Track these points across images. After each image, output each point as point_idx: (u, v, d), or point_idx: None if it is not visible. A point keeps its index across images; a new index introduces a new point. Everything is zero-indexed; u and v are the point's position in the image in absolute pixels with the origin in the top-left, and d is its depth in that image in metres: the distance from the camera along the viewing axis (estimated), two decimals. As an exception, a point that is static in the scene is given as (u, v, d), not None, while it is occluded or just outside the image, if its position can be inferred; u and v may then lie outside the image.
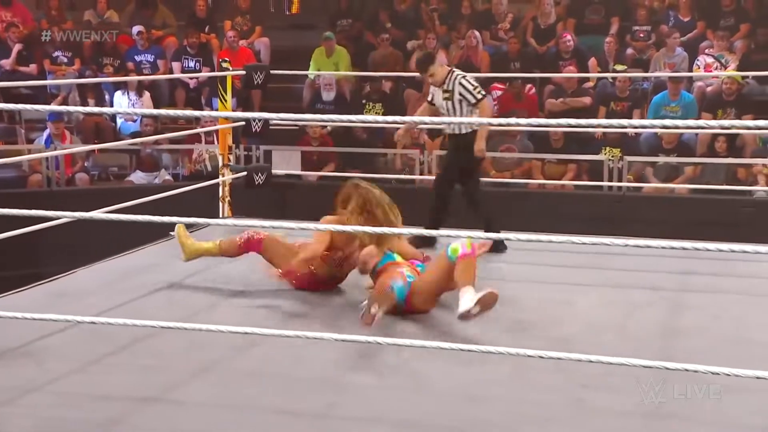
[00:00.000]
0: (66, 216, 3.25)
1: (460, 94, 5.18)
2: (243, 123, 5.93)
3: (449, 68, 5.34)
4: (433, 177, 7.79)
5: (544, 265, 4.90)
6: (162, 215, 5.83)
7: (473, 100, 5.18)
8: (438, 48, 9.65)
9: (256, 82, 5.89)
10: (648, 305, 4.23)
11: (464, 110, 5.18)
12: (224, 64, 6.08)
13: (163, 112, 3.61)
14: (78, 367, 3.39)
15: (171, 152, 8.94)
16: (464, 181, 5.30)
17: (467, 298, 3.65)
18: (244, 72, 5.99)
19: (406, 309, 3.92)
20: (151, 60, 10.16)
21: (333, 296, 4.39)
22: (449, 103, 5.22)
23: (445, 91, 5.22)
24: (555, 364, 2.99)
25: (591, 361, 2.64)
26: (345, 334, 3.45)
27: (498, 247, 5.03)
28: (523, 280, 4.71)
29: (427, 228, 4.83)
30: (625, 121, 2.97)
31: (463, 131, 5.21)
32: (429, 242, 5.00)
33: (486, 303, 3.65)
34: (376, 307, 3.55)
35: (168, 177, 8.80)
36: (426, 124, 6.30)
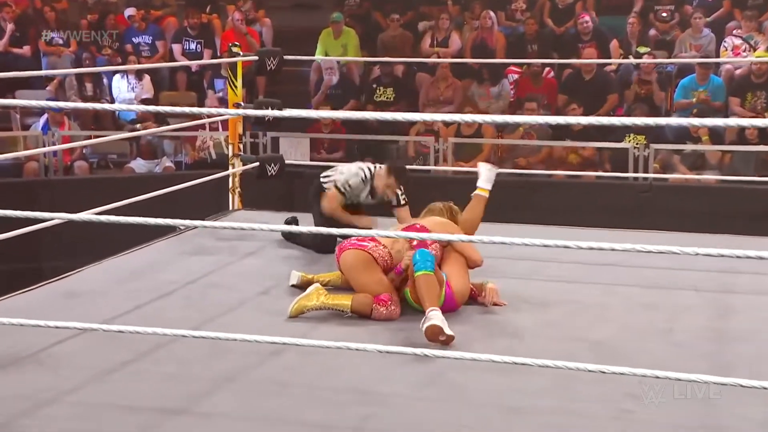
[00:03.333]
0: (62, 218, 3.17)
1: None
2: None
3: None
4: (449, 166, 7.85)
5: (571, 263, 4.84)
6: (166, 206, 5.91)
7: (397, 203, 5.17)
8: (451, 30, 9.60)
9: (269, 68, 5.82)
10: (691, 307, 4.19)
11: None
12: (234, 49, 6.00)
13: (177, 109, 3.57)
14: (96, 375, 3.35)
15: (173, 139, 8.88)
16: None
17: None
18: (256, 57, 5.92)
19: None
20: (150, 41, 10.09)
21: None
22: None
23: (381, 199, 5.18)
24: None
25: (646, 376, 2.59)
26: (380, 341, 3.45)
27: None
28: (550, 279, 4.66)
29: None
30: (651, 121, 2.88)
31: None
32: None
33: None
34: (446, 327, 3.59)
35: (170, 164, 8.76)
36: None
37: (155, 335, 3.24)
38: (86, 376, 3.33)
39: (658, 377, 2.53)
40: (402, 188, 5.08)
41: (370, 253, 4.08)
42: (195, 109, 3.40)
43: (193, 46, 10.03)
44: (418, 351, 2.86)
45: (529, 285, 4.50)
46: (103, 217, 2.98)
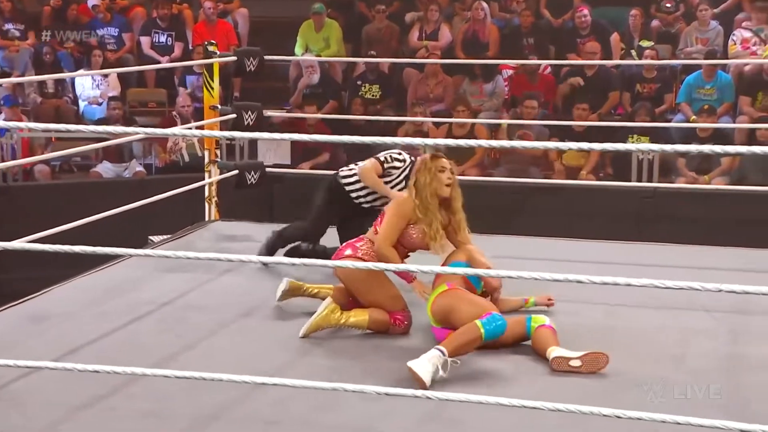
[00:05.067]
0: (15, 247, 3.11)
1: None
2: (234, 115, 5.81)
3: None
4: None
5: (575, 282, 4.80)
6: (137, 216, 5.87)
7: None
8: (440, 21, 9.58)
9: (248, 69, 5.79)
10: (703, 331, 4.19)
11: None
12: (211, 48, 5.96)
13: (158, 131, 3.50)
14: (67, 413, 3.30)
15: (142, 140, 8.81)
16: None
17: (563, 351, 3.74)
18: (235, 58, 5.88)
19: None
20: (116, 34, 10.01)
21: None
22: None
23: None
24: (609, 404, 2.93)
25: (665, 422, 2.58)
26: (378, 374, 3.42)
27: None
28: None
29: None
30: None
31: None
32: None
33: (591, 363, 3.67)
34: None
35: (140, 168, 8.70)
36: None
37: (130, 365, 3.19)
38: (55, 415, 3.28)
39: (678, 423, 2.51)
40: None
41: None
42: (180, 131, 3.37)
43: (162, 38, 9.96)
44: (419, 393, 2.83)
45: (532, 309, 4.47)
46: (36, 246, 2.91)
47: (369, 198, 4.95)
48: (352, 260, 4.03)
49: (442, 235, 4.07)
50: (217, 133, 3.69)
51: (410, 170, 4.68)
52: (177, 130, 4.45)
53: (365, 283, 4.10)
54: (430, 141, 2.65)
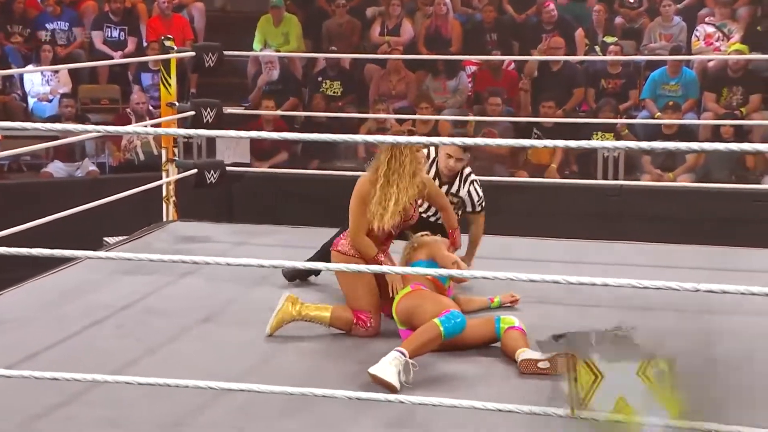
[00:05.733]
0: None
1: (464, 199, 4.75)
2: (193, 112, 5.76)
3: None
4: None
5: (542, 282, 4.83)
6: (91, 217, 5.79)
7: (473, 210, 4.80)
8: (402, 16, 9.58)
9: (207, 65, 5.74)
10: (672, 332, 4.23)
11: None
12: (168, 43, 5.90)
13: (120, 129, 3.46)
14: (23, 423, 3.25)
15: (95, 139, 8.70)
16: None
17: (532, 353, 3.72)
18: (193, 53, 5.83)
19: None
20: (66, 28, 9.87)
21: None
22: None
23: (453, 195, 4.66)
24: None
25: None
26: (348, 376, 3.41)
27: None
28: (521, 300, 4.67)
29: None
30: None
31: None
32: None
33: (556, 365, 3.57)
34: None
35: (93, 168, 8.60)
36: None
37: (88, 371, 3.15)
38: (10, 425, 3.22)
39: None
40: (475, 181, 4.70)
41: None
42: (143, 128, 3.33)
43: (115, 33, 9.84)
44: (392, 397, 2.83)
45: (497, 309, 4.48)
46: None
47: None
48: (334, 254, 4.15)
49: (394, 213, 4.01)
50: (182, 131, 3.64)
51: (434, 163, 4.62)
52: (136, 127, 4.38)
53: (343, 277, 4.12)
54: (436, 140, 2.64)
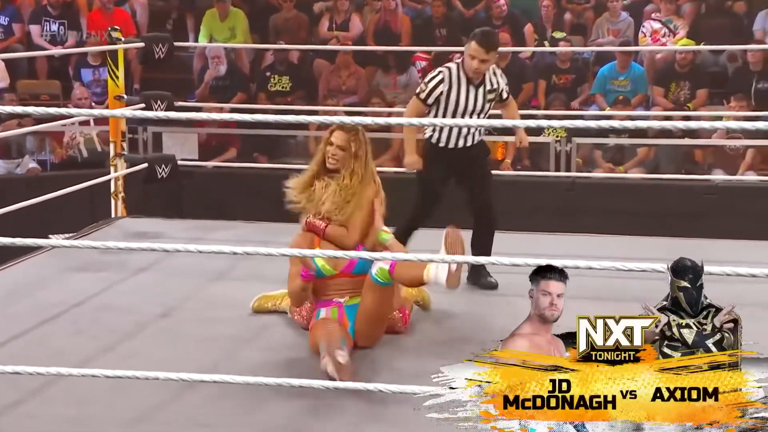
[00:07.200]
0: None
1: (502, 88, 4.83)
2: (143, 105, 5.66)
3: None
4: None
5: (504, 273, 4.84)
6: (33, 215, 5.65)
7: (507, 96, 4.93)
8: (351, 11, 9.55)
9: (157, 56, 5.64)
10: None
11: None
12: (115, 34, 5.79)
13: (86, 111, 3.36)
14: (-21, 421, 3.15)
15: (35, 134, 8.51)
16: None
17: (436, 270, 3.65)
18: (142, 44, 5.72)
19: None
20: (5, 23, 9.65)
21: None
22: (487, 105, 4.74)
23: (490, 91, 4.71)
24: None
25: None
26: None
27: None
28: (484, 293, 4.69)
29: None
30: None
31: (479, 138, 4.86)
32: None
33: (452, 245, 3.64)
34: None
35: (34, 165, 8.40)
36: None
37: (44, 368, 3.06)
38: (-33, 423, 3.13)
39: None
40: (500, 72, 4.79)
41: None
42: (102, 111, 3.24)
43: (54, 27, 9.63)
44: (360, 386, 2.80)
45: (459, 298, 4.47)
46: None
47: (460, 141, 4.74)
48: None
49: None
50: (151, 113, 3.56)
51: (454, 79, 4.58)
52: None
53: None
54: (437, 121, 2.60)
